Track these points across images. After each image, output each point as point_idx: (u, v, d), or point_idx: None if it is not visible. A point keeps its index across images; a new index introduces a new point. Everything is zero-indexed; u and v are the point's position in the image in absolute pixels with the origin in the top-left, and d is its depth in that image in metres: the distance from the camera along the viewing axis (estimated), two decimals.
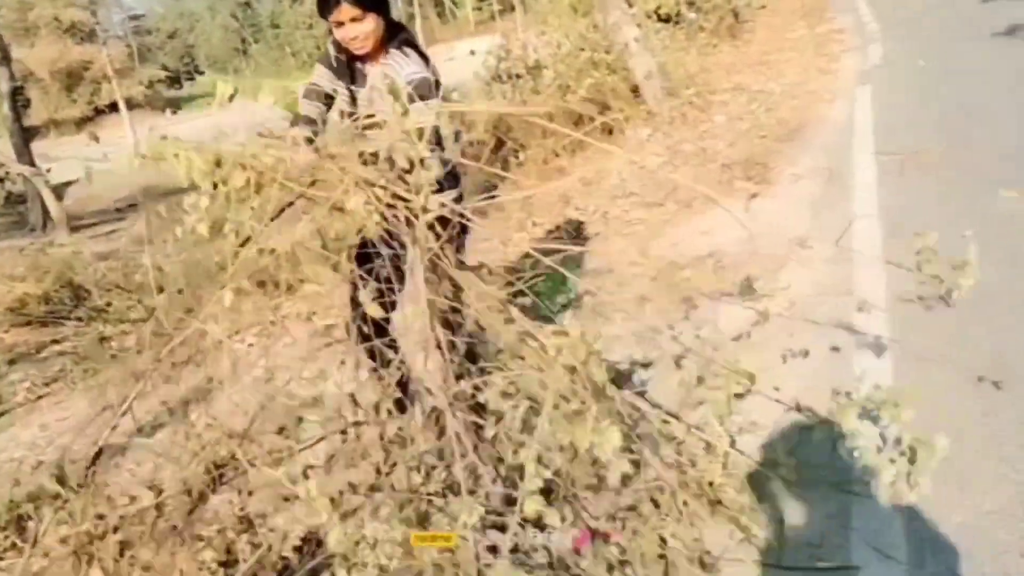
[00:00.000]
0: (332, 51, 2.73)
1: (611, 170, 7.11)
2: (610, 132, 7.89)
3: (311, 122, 2.66)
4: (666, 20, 11.20)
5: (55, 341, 6.93)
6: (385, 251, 1.96)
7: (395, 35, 2.65)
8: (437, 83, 2.61)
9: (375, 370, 2.19)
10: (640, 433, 1.95)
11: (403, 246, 1.94)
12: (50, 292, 7.10)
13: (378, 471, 1.95)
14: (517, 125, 8.14)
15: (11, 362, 6.75)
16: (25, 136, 15.09)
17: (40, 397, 5.72)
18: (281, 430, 2.59)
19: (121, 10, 53.00)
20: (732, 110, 7.71)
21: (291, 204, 1.99)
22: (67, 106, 46.97)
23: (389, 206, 1.88)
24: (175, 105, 52.56)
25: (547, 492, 1.80)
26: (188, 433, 2.50)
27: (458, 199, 2.65)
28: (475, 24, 48.27)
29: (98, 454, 2.36)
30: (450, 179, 2.61)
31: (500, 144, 8.46)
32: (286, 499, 2.12)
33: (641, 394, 2.35)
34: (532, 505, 1.63)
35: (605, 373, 1.74)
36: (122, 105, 29.50)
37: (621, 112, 7.85)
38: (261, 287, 2.08)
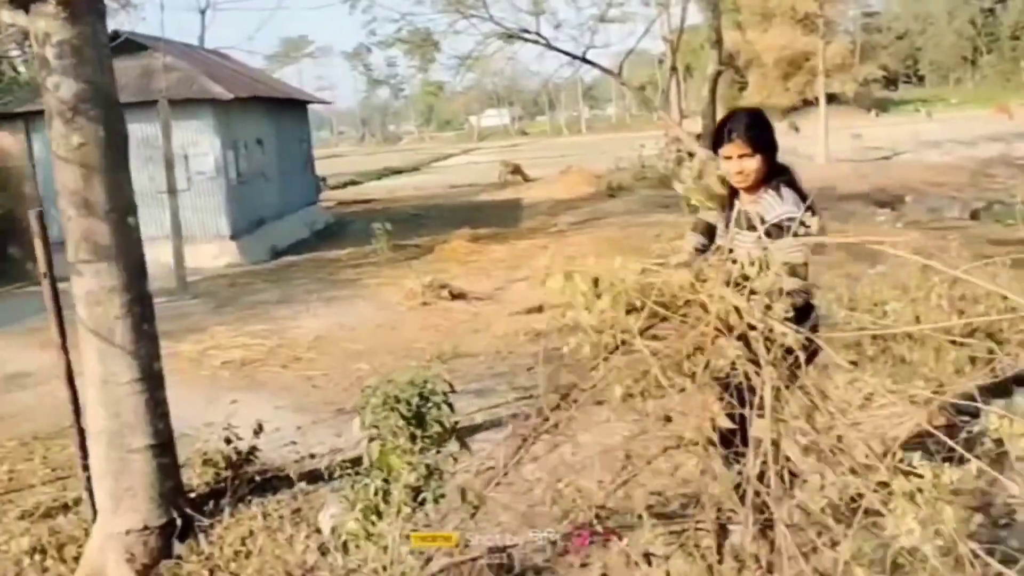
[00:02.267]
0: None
1: None
2: None
3: (696, 251, 2.96)
4: None
5: (655, 337, 4.45)
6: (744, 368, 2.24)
7: (775, 175, 2.80)
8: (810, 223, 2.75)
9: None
10: None
11: (756, 364, 2.22)
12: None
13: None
14: None
15: (613, 349, 4.67)
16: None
17: (630, 395, 4.30)
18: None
19: (856, 5, 50.23)
20: None
21: (663, 319, 2.40)
22: (779, 93, 48.79)
23: (749, 328, 2.23)
24: (882, 107, 55.22)
25: None
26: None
27: (813, 328, 2.69)
28: None
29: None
30: (803, 312, 2.67)
31: None
32: None
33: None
34: None
35: (954, 521, 1.89)
36: (822, 99, 28.49)
37: None
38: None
